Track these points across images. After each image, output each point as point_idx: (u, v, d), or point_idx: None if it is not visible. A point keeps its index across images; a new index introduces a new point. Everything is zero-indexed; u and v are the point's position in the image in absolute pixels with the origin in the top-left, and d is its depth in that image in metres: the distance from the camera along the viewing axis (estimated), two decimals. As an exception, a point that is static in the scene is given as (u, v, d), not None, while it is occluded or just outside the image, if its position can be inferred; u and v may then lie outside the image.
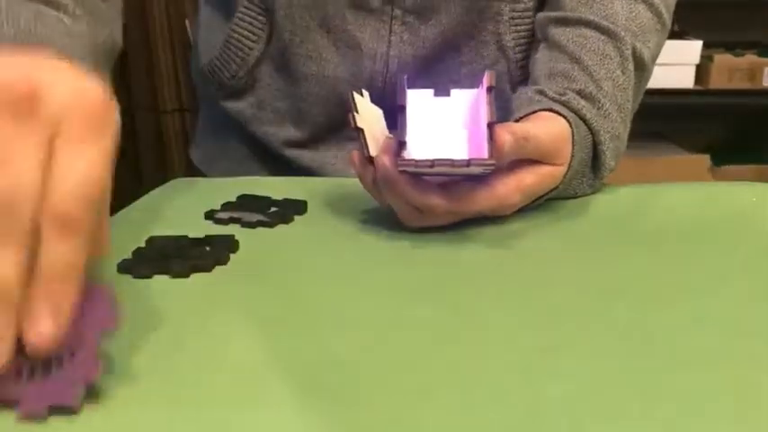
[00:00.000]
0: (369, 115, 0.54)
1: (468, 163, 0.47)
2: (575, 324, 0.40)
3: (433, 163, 0.47)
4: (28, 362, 0.31)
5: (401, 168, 0.49)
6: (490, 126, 0.48)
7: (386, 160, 0.49)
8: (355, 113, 0.51)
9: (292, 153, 0.75)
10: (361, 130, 0.50)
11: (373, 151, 0.51)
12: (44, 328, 0.31)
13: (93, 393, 0.32)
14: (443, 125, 0.51)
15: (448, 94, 0.52)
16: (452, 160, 0.47)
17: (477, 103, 0.50)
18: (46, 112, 0.32)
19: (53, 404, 0.31)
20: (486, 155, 0.47)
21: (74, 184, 0.31)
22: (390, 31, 0.68)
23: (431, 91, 0.52)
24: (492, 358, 0.37)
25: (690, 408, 0.32)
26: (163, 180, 0.68)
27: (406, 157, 0.48)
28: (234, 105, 0.75)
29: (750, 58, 2.17)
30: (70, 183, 0.31)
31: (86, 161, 0.32)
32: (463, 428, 0.31)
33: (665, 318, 0.41)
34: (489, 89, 0.48)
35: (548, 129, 0.55)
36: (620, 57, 0.61)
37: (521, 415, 0.32)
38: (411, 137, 0.50)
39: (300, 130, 0.74)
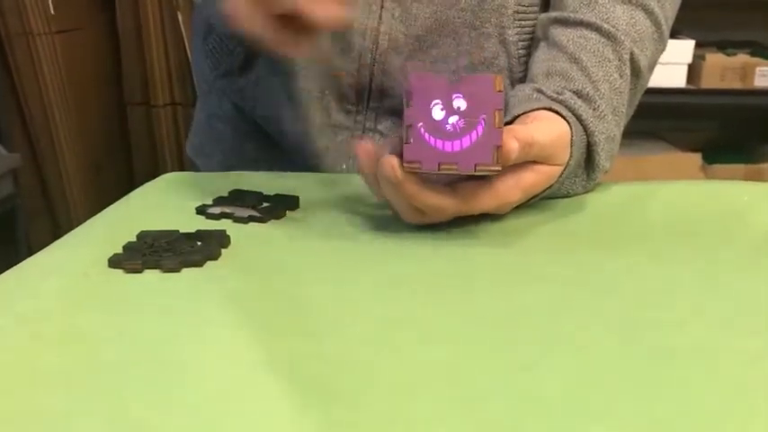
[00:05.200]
0: None
1: (474, 168, 0.48)
2: (568, 320, 0.40)
3: (438, 166, 0.48)
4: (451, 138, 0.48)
5: (407, 170, 0.49)
6: (499, 132, 0.48)
7: (392, 161, 0.49)
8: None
9: (290, 139, 0.74)
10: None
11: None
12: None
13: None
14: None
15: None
16: (458, 166, 0.48)
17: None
18: None
19: (479, 163, 0.48)
20: (491, 160, 0.48)
21: None
22: (381, 6, 0.68)
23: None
24: (486, 354, 0.37)
25: (683, 404, 0.32)
26: (154, 174, 0.68)
27: (411, 157, 0.48)
28: (232, 83, 0.75)
29: (742, 57, 2.18)
30: None
31: None
32: (457, 425, 0.31)
33: (658, 314, 0.41)
34: (499, 93, 0.48)
35: (550, 132, 0.55)
36: (619, 60, 0.61)
37: (515, 411, 0.32)
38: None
39: (294, 108, 0.73)
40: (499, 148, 0.48)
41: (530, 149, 0.52)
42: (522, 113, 0.57)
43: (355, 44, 0.69)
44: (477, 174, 0.49)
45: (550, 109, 0.57)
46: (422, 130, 0.48)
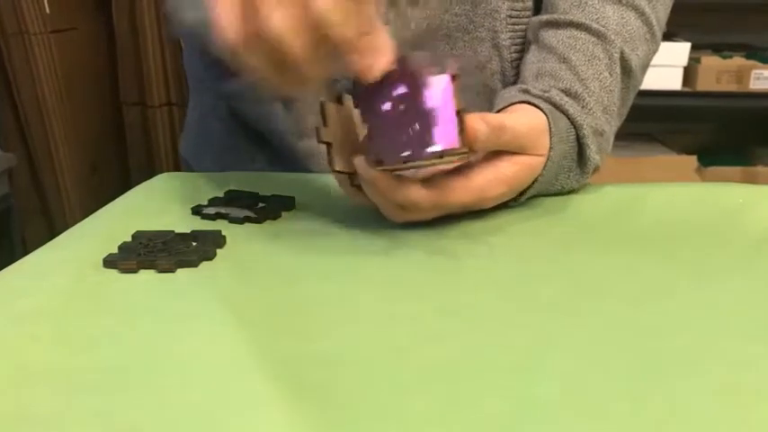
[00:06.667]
0: (347, 122, 0.53)
1: (441, 154, 0.47)
2: (561, 322, 0.40)
3: (406, 159, 0.47)
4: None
5: (378, 168, 0.49)
6: (459, 114, 0.47)
7: (363, 160, 0.49)
8: (323, 127, 0.50)
9: (279, 139, 0.74)
10: (328, 145, 0.50)
11: (341, 165, 0.50)
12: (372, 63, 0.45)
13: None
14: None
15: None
16: (425, 152, 0.47)
17: (449, 91, 0.49)
18: None
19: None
20: (457, 144, 0.47)
21: None
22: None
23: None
24: (478, 356, 0.37)
25: (676, 407, 0.32)
26: (150, 174, 0.67)
27: (373, 156, 0.48)
28: (225, 85, 0.75)
29: (737, 60, 2.18)
30: None
31: None
32: (454, 425, 0.31)
33: (652, 317, 0.41)
34: (454, 77, 0.48)
35: (523, 119, 0.55)
36: (609, 59, 0.62)
37: (507, 413, 0.32)
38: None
39: (288, 110, 0.74)
40: (463, 130, 0.47)
41: (501, 134, 0.52)
42: (502, 108, 0.58)
43: None
44: (445, 161, 0.48)
45: (528, 102, 0.57)
46: (377, 126, 0.48)
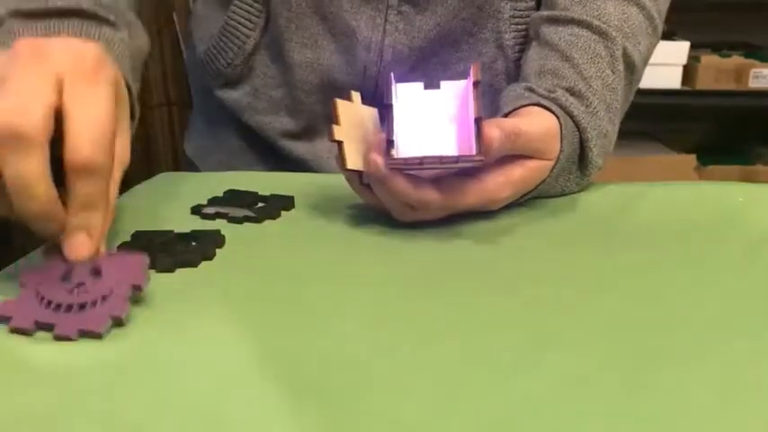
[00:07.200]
0: (357, 119, 0.54)
1: (456, 160, 0.48)
2: (561, 320, 0.40)
3: (422, 160, 0.48)
4: (67, 301, 0.39)
5: (391, 166, 0.49)
6: (478, 121, 0.48)
7: (376, 159, 0.49)
8: (335, 125, 0.51)
9: (287, 144, 0.75)
10: (340, 143, 0.50)
11: (352, 163, 0.51)
12: (80, 244, 0.40)
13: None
14: (433, 119, 0.51)
15: (438, 87, 0.52)
16: (441, 157, 0.47)
17: (467, 96, 0.50)
18: (53, 63, 0.39)
19: (84, 330, 0.37)
20: (474, 151, 0.47)
21: (88, 131, 0.39)
22: (385, 20, 0.68)
23: (420, 84, 0.52)
24: (479, 354, 0.37)
25: (675, 404, 0.32)
26: (149, 174, 0.67)
27: (395, 155, 0.48)
28: (229, 94, 0.75)
29: (737, 59, 2.18)
30: (84, 130, 0.38)
31: (93, 107, 0.39)
32: (449, 424, 0.31)
33: (651, 315, 0.41)
34: (476, 84, 0.48)
35: (537, 124, 0.55)
36: (611, 57, 0.62)
37: (506, 410, 0.32)
38: (400, 133, 0.50)
39: (295, 119, 0.74)
40: (480, 137, 0.48)
41: (516, 139, 0.52)
42: (512, 111, 0.57)
43: (360, 57, 0.69)
44: (460, 166, 0.49)
45: (539, 105, 0.57)
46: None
